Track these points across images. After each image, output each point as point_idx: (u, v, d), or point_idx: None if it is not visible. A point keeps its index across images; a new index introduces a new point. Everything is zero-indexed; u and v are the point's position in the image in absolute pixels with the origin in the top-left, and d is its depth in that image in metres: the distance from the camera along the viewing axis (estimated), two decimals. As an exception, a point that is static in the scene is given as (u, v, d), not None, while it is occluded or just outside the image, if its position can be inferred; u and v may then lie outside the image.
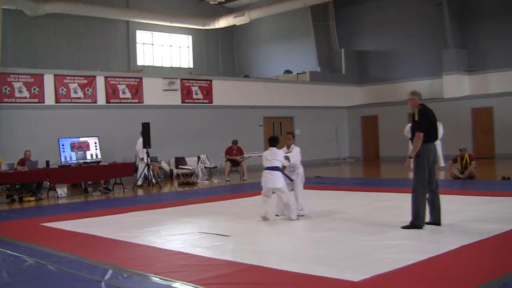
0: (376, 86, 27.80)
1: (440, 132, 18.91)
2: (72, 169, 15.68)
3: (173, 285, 5.55)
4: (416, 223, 7.87)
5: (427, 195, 8.04)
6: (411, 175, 8.41)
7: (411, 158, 8.12)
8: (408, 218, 7.89)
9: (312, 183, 15.97)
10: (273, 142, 9.68)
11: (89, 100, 19.50)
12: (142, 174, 17.71)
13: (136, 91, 20.66)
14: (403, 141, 20.46)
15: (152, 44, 29.58)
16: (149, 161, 17.57)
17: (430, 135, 8.06)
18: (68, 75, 19.22)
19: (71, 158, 15.81)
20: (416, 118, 8.14)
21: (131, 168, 16.99)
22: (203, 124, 22.25)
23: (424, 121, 8.07)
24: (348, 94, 28.05)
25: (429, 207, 8.09)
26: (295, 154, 9.94)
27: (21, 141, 17.30)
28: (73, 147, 15.92)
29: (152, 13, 27.23)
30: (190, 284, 5.51)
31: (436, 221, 8.09)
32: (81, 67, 24.00)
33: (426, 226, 7.98)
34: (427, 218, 8.04)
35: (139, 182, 17.72)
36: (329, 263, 6.20)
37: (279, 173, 9.47)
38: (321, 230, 8.34)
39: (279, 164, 9.46)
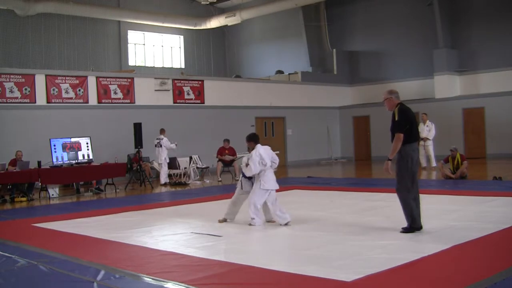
0: (367, 86, 27.86)
1: (432, 132, 19.17)
2: (64, 169, 15.63)
3: (165, 286, 5.54)
4: (414, 226, 7.68)
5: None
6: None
7: (390, 160, 7.83)
8: (399, 218, 7.89)
9: (304, 183, 16.00)
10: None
11: (81, 100, 19.45)
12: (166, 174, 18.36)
13: (128, 91, 20.62)
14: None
15: (144, 44, 29.54)
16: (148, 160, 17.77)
17: (412, 135, 7.78)
18: (59, 75, 19.17)
19: (62, 158, 15.75)
20: (397, 118, 7.80)
21: (123, 168, 16.94)
22: (195, 124, 22.24)
23: (405, 121, 7.74)
24: (340, 94, 28.10)
25: None
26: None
27: (12, 142, 17.24)
28: (64, 147, 15.85)
29: (144, 13, 27.20)
30: (182, 284, 5.50)
31: (416, 225, 7.78)
32: (72, 67, 24.00)
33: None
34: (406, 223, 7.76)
35: (166, 180, 18.17)
36: (321, 263, 6.21)
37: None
38: (313, 230, 8.34)
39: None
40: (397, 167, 7.79)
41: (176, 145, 18.25)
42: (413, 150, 7.78)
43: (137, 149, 18.03)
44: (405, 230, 7.70)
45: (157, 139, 18.14)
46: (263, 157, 8.81)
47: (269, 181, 8.85)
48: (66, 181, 16.55)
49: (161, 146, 17.89)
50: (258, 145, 8.99)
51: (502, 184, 13.28)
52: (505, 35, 23.18)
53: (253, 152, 8.90)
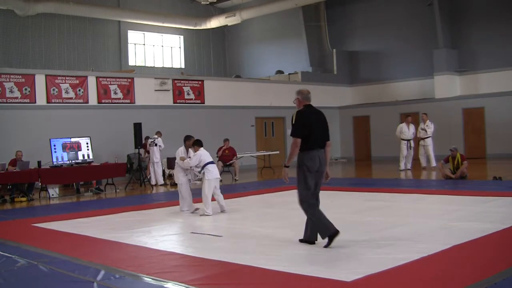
0: (367, 86, 27.87)
1: (430, 130, 19.17)
2: (64, 169, 15.63)
3: (165, 286, 5.54)
4: (330, 234, 6.95)
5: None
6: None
7: (287, 167, 7.25)
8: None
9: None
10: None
11: (81, 100, 19.45)
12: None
13: (128, 91, 20.62)
14: (394, 141, 20.56)
15: (144, 44, 29.53)
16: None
17: (311, 142, 7.07)
18: (59, 75, 19.18)
19: (62, 158, 15.76)
20: (293, 122, 7.19)
21: (123, 168, 16.95)
22: (195, 124, 22.20)
23: (302, 126, 7.10)
24: (340, 94, 28.10)
25: (306, 221, 7.31)
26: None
27: (12, 142, 17.24)
28: (64, 147, 15.86)
29: (144, 13, 27.19)
30: (182, 284, 5.50)
31: (310, 238, 7.24)
32: (72, 67, 24.01)
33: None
34: (302, 235, 7.35)
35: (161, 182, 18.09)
36: (321, 263, 6.21)
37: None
38: (313, 230, 8.33)
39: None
40: (296, 176, 7.21)
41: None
42: (310, 159, 7.06)
43: (137, 149, 18.05)
44: (327, 245, 6.96)
45: (151, 139, 18.04)
46: (201, 158, 10.69)
47: (211, 173, 10.61)
48: (66, 181, 16.56)
49: (156, 145, 17.77)
50: (201, 149, 10.87)
51: (502, 184, 13.27)
52: (505, 35, 23.17)
53: (197, 152, 10.79)
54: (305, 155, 7.07)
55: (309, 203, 7.17)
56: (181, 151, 11.38)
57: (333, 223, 7.36)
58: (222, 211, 10.73)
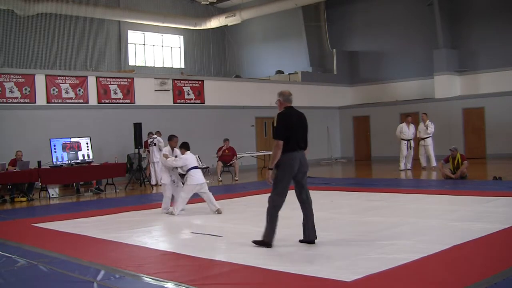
0: (367, 86, 27.87)
1: (430, 129, 19.17)
2: (64, 169, 15.64)
3: (165, 286, 5.54)
4: (265, 241, 7.11)
5: (300, 207, 7.44)
6: None
7: (270, 169, 7.19)
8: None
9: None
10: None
11: (81, 101, 19.45)
12: None
13: (128, 91, 20.62)
14: (394, 141, 20.57)
15: (144, 44, 29.53)
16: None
17: (292, 143, 7.12)
18: (59, 75, 19.18)
19: (62, 158, 15.76)
20: (275, 124, 7.19)
21: (123, 168, 16.94)
22: (195, 124, 22.24)
23: (284, 128, 7.11)
24: (340, 94, 28.10)
25: (303, 222, 7.37)
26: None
27: (12, 142, 17.24)
28: (64, 147, 15.86)
29: (144, 13, 27.20)
30: (183, 284, 5.50)
31: (309, 238, 7.29)
32: (72, 67, 24.00)
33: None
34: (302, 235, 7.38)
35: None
36: (322, 263, 6.21)
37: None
38: (313, 230, 8.34)
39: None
40: (274, 177, 7.21)
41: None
42: (290, 159, 7.11)
43: (137, 149, 18.05)
44: (256, 241, 7.21)
45: (150, 138, 18.03)
46: (187, 163, 10.76)
47: (192, 178, 10.64)
48: (66, 181, 16.56)
49: (155, 144, 17.75)
50: (188, 152, 10.90)
51: (502, 184, 13.27)
52: (505, 35, 23.17)
53: (183, 156, 10.87)
54: (286, 156, 7.12)
55: (274, 204, 7.21)
56: (166, 149, 11.42)
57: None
58: (218, 212, 10.66)
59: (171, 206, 11.04)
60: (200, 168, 11.08)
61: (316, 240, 7.25)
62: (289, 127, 7.15)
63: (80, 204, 14.21)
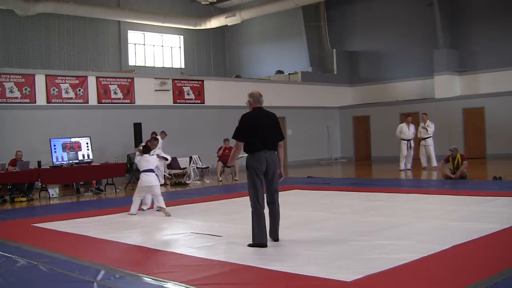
0: (367, 86, 27.87)
1: (431, 130, 19.17)
2: (64, 169, 15.63)
3: (165, 286, 5.54)
4: (257, 243, 7.17)
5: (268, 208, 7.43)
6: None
7: (229, 167, 7.51)
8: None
9: (304, 183, 16.00)
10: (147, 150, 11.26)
11: (81, 101, 19.45)
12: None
13: (128, 91, 20.62)
14: (394, 141, 20.57)
15: (144, 44, 29.53)
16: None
17: (257, 144, 7.27)
18: (59, 75, 19.17)
19: (62, 158, 15.76)
20: (238, 125, 7.42)
21: (123, 168, 16.94)
22: (195, 124, 22.24)
23: (246, 129, 7.34)
24: (340, 94, 28.10)
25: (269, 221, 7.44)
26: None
27: (12, 142, 17.23)
28: (64, 147, 15.86)
29: (144, 13, 27.21)
30: (182, 284, 5.50)
31: (272, 236, 7.42)
32: (72, 67, 23.99)
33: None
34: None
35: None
36: (321, 263, 6.20)
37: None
38: (313, 230, 8.34)
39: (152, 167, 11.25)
40: (247, 178, 7.38)
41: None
42: (256, 160, 7.25)
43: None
44: (251, 246, 7.22)
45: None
46: (140, 164, 11.08)
47: (141, 181, 10.96)
48: (66, 181, 16.56)
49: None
50: (145, 155, 11.13)
51: (502, 184, 13.27)
52: (505, 35, 23.17)
53: (141, 156, 11.13)
54: (252, 157, 7.28)
55: (255, 206, 7.24)
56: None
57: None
58: (160, 211, 10.95)
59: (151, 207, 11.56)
60: (152, 171, 11.17)
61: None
62: (250, 128, 7.34)
63: (80, 204, 14.21)
